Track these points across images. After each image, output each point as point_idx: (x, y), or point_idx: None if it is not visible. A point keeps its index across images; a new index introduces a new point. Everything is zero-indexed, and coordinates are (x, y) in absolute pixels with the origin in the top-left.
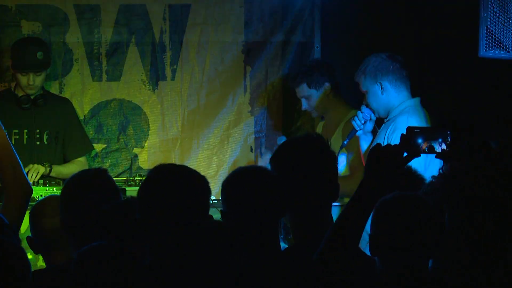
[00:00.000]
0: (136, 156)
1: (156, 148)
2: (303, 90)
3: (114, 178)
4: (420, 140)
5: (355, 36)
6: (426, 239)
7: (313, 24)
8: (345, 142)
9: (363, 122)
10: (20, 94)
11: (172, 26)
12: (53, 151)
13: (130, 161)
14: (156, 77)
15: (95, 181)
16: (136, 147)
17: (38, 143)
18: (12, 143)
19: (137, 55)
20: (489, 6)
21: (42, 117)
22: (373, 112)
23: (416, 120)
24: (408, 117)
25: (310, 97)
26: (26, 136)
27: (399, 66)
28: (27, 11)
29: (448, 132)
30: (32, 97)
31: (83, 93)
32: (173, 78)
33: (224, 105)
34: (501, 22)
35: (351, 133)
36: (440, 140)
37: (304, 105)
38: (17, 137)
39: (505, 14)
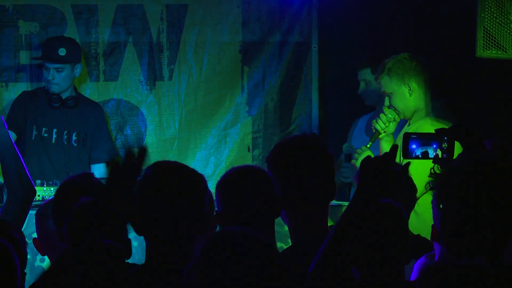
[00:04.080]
0: None
1: (153, 148)
2: (364, 74)
3: None
4: (415, 146)
5: (352, 36)
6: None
7: (310, 24)
8: (368, 146)
9: (387, 124)
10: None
11: (170, 26)
12: (79, 153)
13: None
14: (153, 77)
15: (82, 186)
16: (133, 147)
17: (66, 143)
18: (16, 144)
19: (135, 55)
20: (487, 6)
21: (71, 118)
22: (398, 114)
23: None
24: (436, 120)
25: (369, 83)
26: (55, 136)
27: (422, 67)
28: (25, 11)
29: (445, 138)
30: (63, 98)
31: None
32: (170, 78)
33: (221, 105)
34: (498, 22)
35: (373, 136)
36: (434, 146)
37: (360, 89)
38: (46, 135)
39: (503, 14)
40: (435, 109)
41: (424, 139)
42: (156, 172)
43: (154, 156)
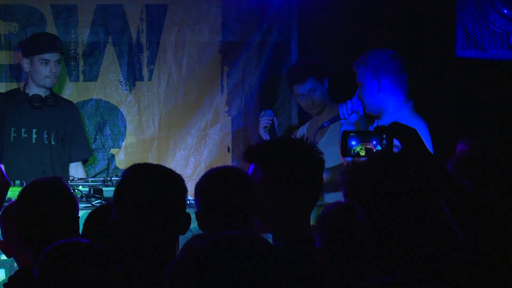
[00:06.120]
0: (113, 156)
1: (133, 148)
2: (310, 84)
3: (91, 178)
4: (355, 143)
5: (332, 37)
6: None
7: (290, 24)
8: (325, 125)
9: (349, 112)
10: (31, 93)
11: (149, 26)
12: (60, 152)
13: (107, 161)
14: (133, 77)
15: (49, 190)
16: (113, 147)
17: (46, 142)
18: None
19: (114, 55)
20: (466, 6)
21: (51, 117)
22: (363, 107)
23: (423, 125)
24: (417, 122)
25: (315, 91)
26: (35, 136)
27: (402, 68)
28: (3, 11)
29: (384, 136)
30: (43, 97)
31: (60, 93)
32: (150, 78)
33: (201, 105)
34: (477, 23)
35: (333, 118)
36: (375, 143)
37: (306, 103)
38: (26, 135)
39: (482, 14)
40: (404, 112)
41: (363, 136)
42: (135, 174)
43: (134, 156)
